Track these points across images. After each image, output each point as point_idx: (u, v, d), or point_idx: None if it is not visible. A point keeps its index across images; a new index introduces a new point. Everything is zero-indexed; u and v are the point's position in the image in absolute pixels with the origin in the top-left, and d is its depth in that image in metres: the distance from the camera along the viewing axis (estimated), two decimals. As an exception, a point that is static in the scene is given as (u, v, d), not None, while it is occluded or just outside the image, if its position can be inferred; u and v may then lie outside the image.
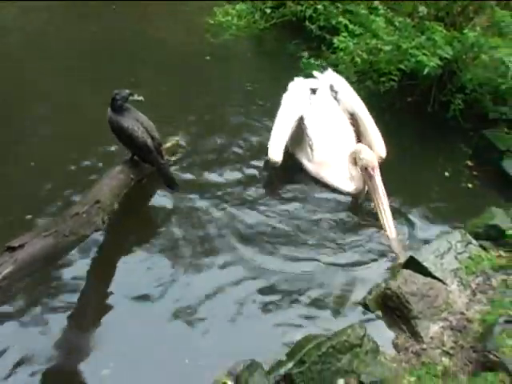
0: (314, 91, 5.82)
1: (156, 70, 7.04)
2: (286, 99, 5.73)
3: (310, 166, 5.50)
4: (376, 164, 5.04)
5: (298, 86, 5.87)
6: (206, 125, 6.15)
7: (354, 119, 5.67)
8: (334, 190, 5.32)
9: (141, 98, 4.87)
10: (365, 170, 5.05)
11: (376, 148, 5.35)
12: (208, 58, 7.36)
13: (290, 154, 5.55)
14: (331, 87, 5.83)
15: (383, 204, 4.95)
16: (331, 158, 5.42)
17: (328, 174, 5.38)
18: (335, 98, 5.79)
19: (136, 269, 4.51)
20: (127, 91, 4.80)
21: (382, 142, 5.42)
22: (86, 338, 3.99)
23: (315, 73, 6.07)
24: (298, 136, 5.55)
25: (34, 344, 3.87)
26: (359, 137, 5.60)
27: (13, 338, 3.91)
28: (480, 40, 5.95)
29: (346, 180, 5.30)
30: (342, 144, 5.46)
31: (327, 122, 5.61)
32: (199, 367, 3.77)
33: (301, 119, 5.54)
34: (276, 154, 5.32)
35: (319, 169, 5.44)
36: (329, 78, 5.95)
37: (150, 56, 7.29)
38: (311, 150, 5.47)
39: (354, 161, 5.19)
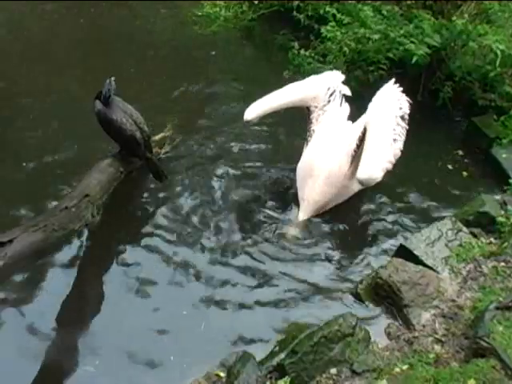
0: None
1: (144, 62, 6.98)
2: (308, 81, 5.30)
3: (299, 164, 5.09)
4: None
5: (326, 79, 5.34)
6: (195, 116, 6.13)
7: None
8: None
9: (112, 78, 4.72)
10: None
11: (360, 166, 4.56)
12: (213, 52, 7.29)
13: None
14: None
15: None
16: (311, 171, 4.91)
17: (300, 186, 4.97)
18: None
19: (126, 262, 4.50)
20: (111, 80, 4.71)
21: (372, 163, 4.56)
22: (74, 333, 3.98)
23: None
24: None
25: (21, 339, 3.87)
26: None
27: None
28: (468, 27, 5.94)
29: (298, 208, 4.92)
30: (324, 162, 4.89)
31: (331, 129, 5.10)
32: (190, 359, 3.77)
33: (308, 109, 5.17)
34: (250, 112, 4.92)
35: (299, 172, 5.06)
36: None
37: (137, 48, 7.23)
38: (305, 145, 5.11)
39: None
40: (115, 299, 4.20)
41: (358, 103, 5.35)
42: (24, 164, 5.28)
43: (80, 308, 4.21)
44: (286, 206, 5.04)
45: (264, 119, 5.70)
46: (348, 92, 5.40)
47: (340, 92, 5.31)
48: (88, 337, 3.94)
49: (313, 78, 5.38)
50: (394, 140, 4.86)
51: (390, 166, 4.79)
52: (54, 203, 4.47)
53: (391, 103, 5.01)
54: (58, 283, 4.29)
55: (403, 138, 4.95)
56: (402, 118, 4.98)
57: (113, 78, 4.72)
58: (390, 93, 5.09)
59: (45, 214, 4.30)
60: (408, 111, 5.05)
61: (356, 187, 4.92)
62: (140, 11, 8.07)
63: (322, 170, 4.85)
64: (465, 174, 5.65)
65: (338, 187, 4.85)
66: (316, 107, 5.17)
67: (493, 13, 6.26)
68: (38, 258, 4.18)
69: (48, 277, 4.32)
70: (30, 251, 3.98)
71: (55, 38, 7.41)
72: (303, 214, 4.85)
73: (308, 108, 5.20)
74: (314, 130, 5.13)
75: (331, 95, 5.22)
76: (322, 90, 5.21)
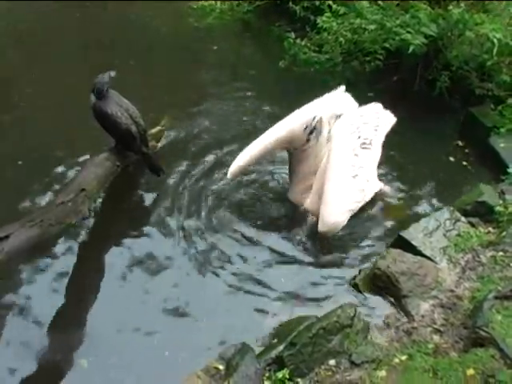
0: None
1: (140, 55, 6.97)
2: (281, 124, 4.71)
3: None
4: None
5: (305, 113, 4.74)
6: (191, 109, 6.11)
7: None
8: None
9: (113, 72, 4.74)
10: None
11: (320, 219, 4.39)
12: (223, 48, 7.27)
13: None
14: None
15: None
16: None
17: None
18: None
19: (121, 256, 4.48)
20: (106, 75, 4.71)
21: (331, 213, 4.37)
22: (67, 328, 3.96)
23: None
24: None
25: (15, 333, 3.87)
26: None
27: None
28: (465, 16, 5.91)
29: None
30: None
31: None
32: (189, 353, 3.77)
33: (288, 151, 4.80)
34: (232, 170, 4.68)
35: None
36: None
37: (132, 41, 7.24)
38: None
39: None
40: (110, 294, 4.17)
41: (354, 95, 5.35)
42: (20, 162, 5.25)
43: (74, 303, 4.16)
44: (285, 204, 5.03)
45: (260, 113, 5.73)
46: (347, 109, 4.84)
47: (330, 117, 4.73)
48: (82, 332, 3.91)
49: (288, 117, 4.75)
50: (354, 176, 4.47)
51: (358, 203, 4.54)
52: (51, 198, 4.44)
53: (344, 137, 4.55)
54: (52, 277, 4.26)
55: (371, 163, 4.66)
56: (363, 144, 4.56)
57: (112, 73, 4.70)
58: (343, 124, 4.62)
59: (41, 208, 4.28)
60: (370, 134, 4.65)
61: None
62: (136, 4, 8.04)
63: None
64: (463, 163, 5.63)
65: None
66: (295, 149, 4.74)
67: (489, 2, 6.23)
68: (34, 252, 4.16)
69: (43, 271, 4.30)
70: (27, 246, 3.98)
71: (50, 30, 7.39)
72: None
73: (288, 151, 4.84)
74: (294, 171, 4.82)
75: (311, 133, 4.66)
76: (296, 130, 4.64)
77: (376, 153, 4.71)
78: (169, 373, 3.64)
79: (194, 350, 3.79)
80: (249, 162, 4.68)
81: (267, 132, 4.69)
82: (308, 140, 4.66)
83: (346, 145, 4.53)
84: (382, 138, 4.78)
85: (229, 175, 4.72)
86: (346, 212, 4.44)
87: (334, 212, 4.39)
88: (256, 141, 4.68)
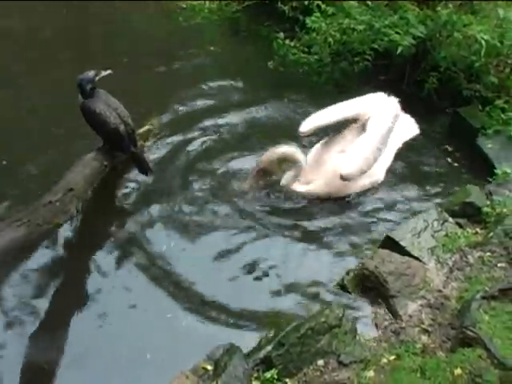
0: None
1: (127, 55, 6.93)
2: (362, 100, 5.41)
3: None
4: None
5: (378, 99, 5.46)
6: (180, 109, 6.10)
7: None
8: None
9: (108, 72, 4.72)
10: None
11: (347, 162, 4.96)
12: (212, 48, 7.25)
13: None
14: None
15: None
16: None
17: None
18: None
19: (107, 256, 4.46)
20: (92, 72, 4.67)
21: (355, 162, 4.94)
22: (54, 333, 3.93)
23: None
24: None
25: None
26: None
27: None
28: (453, 18, 5.96)
29: None
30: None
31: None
32: (177, 353, 3.76)
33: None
34: (305, 125, 5.11)
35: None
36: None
37: (120, 40, 7.21)
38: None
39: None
40: (98, 298, 4.13)
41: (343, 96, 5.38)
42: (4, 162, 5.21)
43: (57, 304, 4.11)
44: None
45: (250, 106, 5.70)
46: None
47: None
48: (69, 337, 3.87)
49: (367, 97, 5.46)
50: (379, 149, 5.06)
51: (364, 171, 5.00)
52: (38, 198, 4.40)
53: (391, 116, 5.25)
54: (40, 278, 4.23)
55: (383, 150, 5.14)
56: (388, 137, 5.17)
57: (104, 72, 4.68)
58: (391, 107, 5.35)
59: (29, 208, 4.25)
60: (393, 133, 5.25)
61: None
62: (123, 3, 8.01)
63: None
64: (451, 164, 5.66)
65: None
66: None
67: (477, 3, 6.27)
68: (22, 253, 4.13)
69: (31, 272, 4.25)
70: (14, 246, 3.94)
71: (36, 28, 7.34)
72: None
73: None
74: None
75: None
76: (372, 110, 5.31)
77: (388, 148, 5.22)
78: (151, 375, 3.63)
79: (180, 352, 3.78)
80: (322, 125, 5.16)
81: (345, 103, 5.31)
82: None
83: (385, 127, 5.15)
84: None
85: (301, 130, 5.09)
86: (362, 168, 4.95)
87: (358, 166, 4.92)
88: (335, 107, 5.25)
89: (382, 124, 5.18)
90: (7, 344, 3.79)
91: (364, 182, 5.10)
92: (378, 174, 5.20)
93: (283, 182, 5.04)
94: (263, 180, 5.05)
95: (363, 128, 5.23)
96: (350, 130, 5.31)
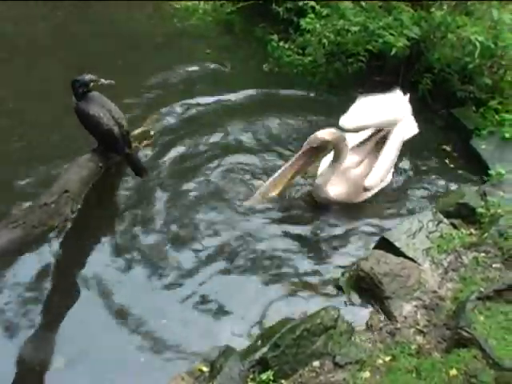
0: None
1: (122, 56, 6.92)
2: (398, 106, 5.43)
3: None
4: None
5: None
6: (175, 110, 6.08)
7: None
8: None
9: (109, 81, 4.72)
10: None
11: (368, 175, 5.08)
12: (208, 51, 7.23)
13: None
14: None
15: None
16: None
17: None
18: None
19: (101, 259, 4.45)
20: (89, 76, 4.65)
21: (377, 174, 5.09)
22: (45, 332, 3.92)
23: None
24: None
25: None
26: None
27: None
28: (447, 19, 5.98)
29: None
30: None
31: None
32: (174, 356, 3.76)
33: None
34: (350, 123, 5.01)
35: None
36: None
37: (114, 42, 7.17)
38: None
39: None
40: (89, 298, 4.12)
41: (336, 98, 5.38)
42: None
43: (50, 307, 4.10)
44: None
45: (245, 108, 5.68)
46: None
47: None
48: (61, 335, 3.87)
49: (396, 98, 5.46)
50: (395, 158, 5.30)
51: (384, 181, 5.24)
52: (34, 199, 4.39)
53: (400, 133, 5.34)
54: (32, 279, 4.21)
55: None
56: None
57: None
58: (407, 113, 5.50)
59: (24, 210, 4.24)
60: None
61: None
62: (118, 3, 7.99)
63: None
64: (445, 165, 5.68)
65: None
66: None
67: (471, 3, 6.28)
68: (16, 254, 4.12)
69: (22, 273, 4.23)
70: (10, 248, 3.93)
71: (29, 29, 7.31)
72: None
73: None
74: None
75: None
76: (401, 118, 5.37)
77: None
78: (145, 377, 3.63)
79: (177, 354, 3.78)
80: (367, 126, 5.21)
81: (386, 108, 5.27)
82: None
83: (401, 137, 5.32)
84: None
85: (346, 126, 4.97)
86: (382, 178, 5.15)
87: (378, 176, 5.10)
88: (378, 111, 5.21)
89: (400, 135, 5.32)
90: (0, 346, 3.78)
91: (378, 187, 5.19)
92: (388, 177, 5.30)
93: (319, 180, 4.97)
94: (308, 164, 4.96)
95: (380, 135, 5.35)
96: (370, 140, 5.37)
